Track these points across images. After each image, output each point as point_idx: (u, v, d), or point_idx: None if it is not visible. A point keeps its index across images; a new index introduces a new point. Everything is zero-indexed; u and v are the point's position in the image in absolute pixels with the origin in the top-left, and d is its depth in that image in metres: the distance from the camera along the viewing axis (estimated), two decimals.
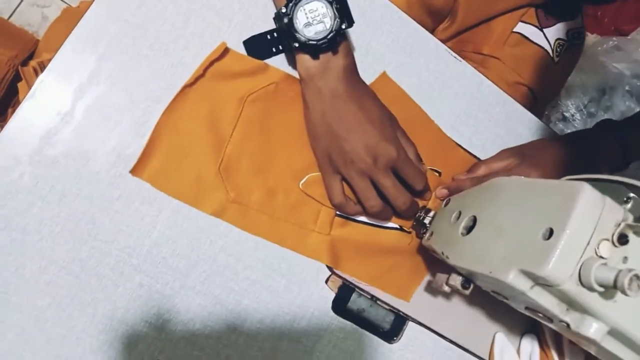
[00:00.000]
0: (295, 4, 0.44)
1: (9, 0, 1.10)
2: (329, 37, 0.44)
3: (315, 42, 0.44)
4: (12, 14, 1.11)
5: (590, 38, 1.58)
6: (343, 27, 0.45)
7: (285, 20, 0.44)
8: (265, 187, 0.49)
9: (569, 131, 1.43)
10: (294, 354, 0.50)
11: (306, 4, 0.44)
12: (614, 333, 0.37)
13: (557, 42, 0.71)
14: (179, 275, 0.47)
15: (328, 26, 0.45)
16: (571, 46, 0.73)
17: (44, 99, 0.45)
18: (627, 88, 1.39)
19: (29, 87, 0.94)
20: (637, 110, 1.42)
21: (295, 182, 0.50)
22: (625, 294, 0.31)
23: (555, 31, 0.71)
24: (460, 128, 0.57)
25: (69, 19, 1.04)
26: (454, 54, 0.58)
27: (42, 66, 0.89)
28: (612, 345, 0.38)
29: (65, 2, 1.11)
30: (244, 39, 0.49)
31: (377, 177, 0.48)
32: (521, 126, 0.60)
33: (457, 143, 0.57)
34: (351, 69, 0.48)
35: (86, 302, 0.45)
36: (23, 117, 0.44)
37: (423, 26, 0.57)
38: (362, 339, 0.52)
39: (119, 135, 0.46)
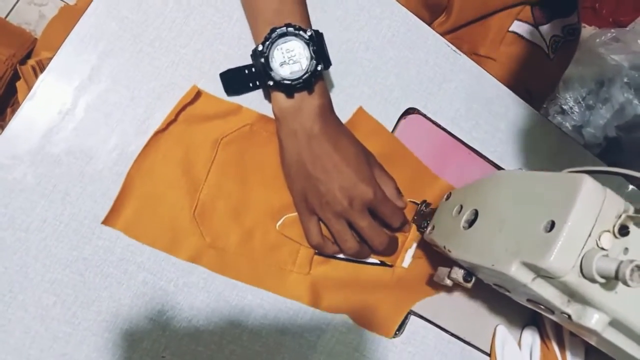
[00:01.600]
0: (272, 43, 0.44)
1: None
2: (304, 77, 0.44)
3: (289, 82, 0.44)
4: (9, 13, 1.11)
5: (588, 30, 1.58)
6: (319, 68, 0.44)
7: (262, 58, 0.44)
8: (242, 229, 0.49)
9: (567, 124, 1.44)
10: (298, 349, 0.50)
11: (283, 43, 0.44)
12: (615, 324, 0.37)
13: (552, 39, 0.71)
14: (182, 272, 0.47)
15: (304, 67, 0.44)
16: (566, 42, 0.73)
17: (46, 98, 0.45)
18: (625, 80, 1.39)
19: (28, 86, 0.94)
20: (635, 102, 1.42)
21: (272, 224, 0.50)
22: (627, 285, 0.31)
23: (551, 28, 0.71)
24: (460, 122, 0.57)
25: (67, 17, 1.04)
26: (453, 47, 0.58)
27: (41, 65, 0.89)
28: (613, 336, 0.39)
29: (63, 1, 1.11)
30: (220, 74, 0.49)
31: (353, 218, 0.47)
32: (521, 120, 0.60)
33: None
34: (326, 109, 0.47)
35: (91, 300, 0.45)
36: (25, 116, 0.45)
37: (421, 20, 0.57)
38: (364, 333, 0.52)
39: (121, 133, 0.46)
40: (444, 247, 0.45)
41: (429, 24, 0.68)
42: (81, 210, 0.45)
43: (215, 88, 0.49)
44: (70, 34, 0.45)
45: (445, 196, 0.51)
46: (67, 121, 0.45)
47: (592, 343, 0.43)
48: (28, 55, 1.04)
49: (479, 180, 0.47)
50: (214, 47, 0.49)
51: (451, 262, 0.47)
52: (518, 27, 0.70)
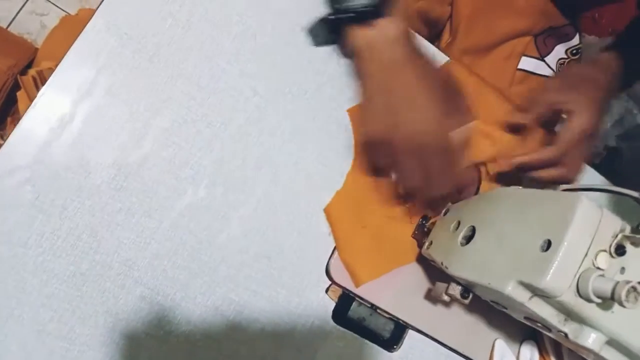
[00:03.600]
0: None
1: (7, 9, 1.11)
2: (368, 7, 0.44)
3: (366, 8, 0.44)
4: (10, 23, 1.11)
5: (588, 39, 1.58)
6: None
7: None
8: None
9: None
10: None
11: None
12: (612, 343, 0.37)
13: (558, 63, 0.72)
14: (179, 287, 0.47)
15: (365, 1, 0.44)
16: (571, 61, 0.74)
17: (45, 113, 0.45)
18: None
19: (28, 96, 0.94)
20: (635, 111, 1.42)
21: None
22: (623, 306, 0.31)
23: (556, 54, 0.72)
24: None
25: (68, 28, 1.05)
26: (454, 62, 0.58)
27: (42, 75, 0.90)
28: (611, 355, 0.38)
29: (64, 11, 1.12)
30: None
31: (424, 156, 0.47)
32: None
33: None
34: (407, 34, 0.47)
35: (88, 315, 0.45)
36: (24, 131, 0.45)
37: (420, 35, 0.57)
38: (362, 348, 0.52)
39: (119, 148, 0.46)
40: (442, 263, 0.45)
41: (429, 39, 0.69)
42: (79, 225, 0.45)
43: (215, 101, 0.49)
44: (70, 49, 0.46)
45: (443, 211, 0.51)
46: (66, 136, 0.45)
47: None
48: (29, 65, 1.04)
49: (477, 196, 0.47)
50: (212, 62, 0.49)
51: (449, 278, 0.46)
52: (526, 64, 0.71)
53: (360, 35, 0.46)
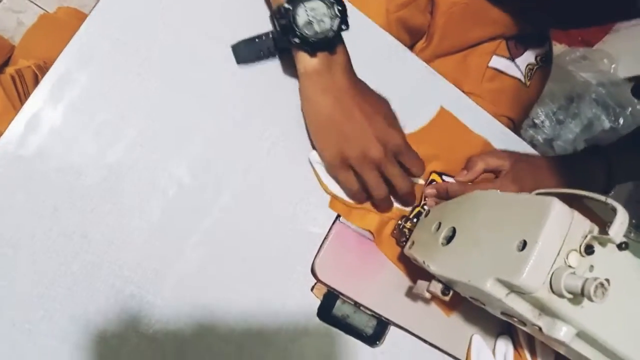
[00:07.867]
0: (298, 1, 0.45)
1: None
2: (328, 35, 0.46)
3: (314, 40, 0.46)
4: None
5: (559, 47, 1.64)
6: (343, 27, 0.46)
7: (286, 16, 0.45)
8: None
9: (539, 137, 1.49)
10: None
11: (307, 2, 0.45)
12: (582, 335, 0.40)
13: (527, 67, 0.75)
14: (169, 286, 0.48)
15: (328, 26, 0.46)
16: (540, 68, 0.77)
17: (36, 115, 0.46)
18: (593, 96, 1.46)
19: (6, 94, 0.93)
20: (603, 117, 1.48)
21: None
22: (591, 300, 0.34)
23: (525, 58, 0.76)
24: None
25: (45, 25, 1.03)
26: (431, 69, 0.60)
27: (20, 74, 0.89)
28: (580, 347, 0.41)
29: (42, 8, 1.10)
30: (232, 45, 0.51)
31: (386, 167, 0.50)
32: (495, 138, 0.63)
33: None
34: (350, 65, 0.50)
35: (78, 315, 0.46)
36: (15, 133, 0.45)
37: (401, 42, 0.59)
38: (347, 344, 0.54)
39: (110, 151, 0.47)
40: (424, 262, 0.47)
41: (410, 47, 0.71)
42: (69, 226, 0.46)
43: (206, 105, 0.50)
44: (62, 52, 0.46)
45: (424, 213, 0.53)
46: (57, 138, 0.46)
47: (561, 352, 0.46)
48: (5, 63, 1.03)
49: (457, 198, 0.50)
50: (202, 69, 0.50)
51: (430, 276, 0.49)
52: (496, 62, 0.74)
53: (305, 60, 0.48)
